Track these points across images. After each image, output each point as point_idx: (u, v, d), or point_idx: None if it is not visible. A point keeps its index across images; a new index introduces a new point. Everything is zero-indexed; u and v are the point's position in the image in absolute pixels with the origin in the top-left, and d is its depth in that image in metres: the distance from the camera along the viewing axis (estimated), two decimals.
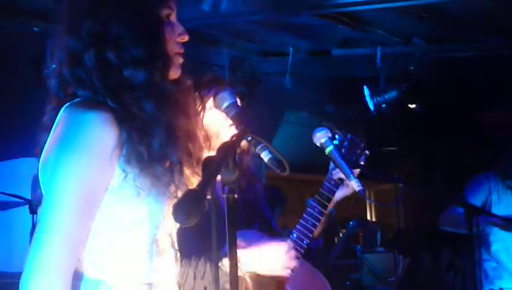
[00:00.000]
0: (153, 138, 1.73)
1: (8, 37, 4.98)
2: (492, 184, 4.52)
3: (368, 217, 7.50)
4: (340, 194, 2.59)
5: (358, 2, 4.39)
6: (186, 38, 1.87)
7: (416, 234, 6.31)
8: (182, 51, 1.88)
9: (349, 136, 2.64)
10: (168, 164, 1.77)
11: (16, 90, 5.16)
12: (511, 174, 4.50)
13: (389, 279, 5.55)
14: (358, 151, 2.64)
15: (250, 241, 2.32)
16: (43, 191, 1.75)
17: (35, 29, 4.89)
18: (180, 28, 1.86)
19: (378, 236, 6.11)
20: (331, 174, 2.55)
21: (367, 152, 2.66)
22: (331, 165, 2.55)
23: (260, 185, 2.73)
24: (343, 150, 2.60)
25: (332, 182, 2.55)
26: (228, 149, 1.66)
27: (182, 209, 1.48)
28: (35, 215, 4.53)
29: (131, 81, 1.76)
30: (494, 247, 4.44)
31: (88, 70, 1.76)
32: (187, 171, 1.87)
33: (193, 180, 1.88)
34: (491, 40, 5.10)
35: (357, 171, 2.53)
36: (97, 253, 1.77)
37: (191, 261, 2.33)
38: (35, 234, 1.68)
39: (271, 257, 2.34)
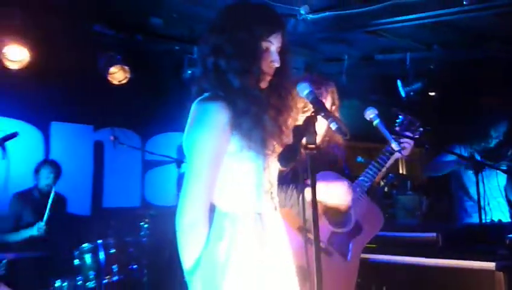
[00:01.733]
0: (244, 123, 1.74)
1: (158, 54, 5.07)
2: (463, 149, 4.41)
3: (400, 171, 7.34)
4: (389, 162, 2.54)
5: (393, 21, 4.29)
6: (276, 65, 1.84)
7: (436, 182, 6.15)
8: (271, 72, 1.85)
9: (409, 117, 2.60)
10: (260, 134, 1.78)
11: (164, 88, 5.26)
12: (475, 143, 4.40)
13: (416, 213, 5.47)
14: (414, 128, 2.59)
15: (324, 179, 2.26)
16: (186, 156, 1.79)
17: (176, 48, 4.96)
18: (274, 57, 1.83)
19: (408, 184, 5.99)
20: (385, 149, 2.51)
21: (421, 129, 2.60)
22: (387, 147, 2.50)
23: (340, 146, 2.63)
24: (403, 126, 2.57)
25: (386, 154, 2.51)
26: (309, 121, 1.67)
27: (284, 157, 1.58)
28: (179, 169, 4.68)
29: (231, 84, 1.76)
30: (471, 190, 4.33)
31: (208, 70, 1.80)
32: (275, 144, 1.84)
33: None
34: (490, 46, 4.87)
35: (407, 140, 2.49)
36: (224, 193, 1.80)
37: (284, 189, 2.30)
38: (184, 182, 1.73)
39: (334, 191, 2.29)
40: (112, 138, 4.53)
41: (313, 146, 1.64)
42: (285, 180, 2.19)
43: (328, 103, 2.45)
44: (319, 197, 2.13)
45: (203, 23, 4.38)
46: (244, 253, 1.74)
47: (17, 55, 4.35)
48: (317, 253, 1.59)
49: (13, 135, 1.92)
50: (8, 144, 2.67)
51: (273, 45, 1.83)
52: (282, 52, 1.86)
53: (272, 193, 1.88)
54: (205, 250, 1.71)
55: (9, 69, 4.37)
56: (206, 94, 1.79)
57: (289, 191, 2.27)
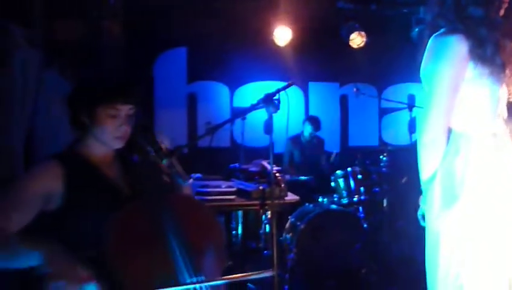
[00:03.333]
0: (487, 50, 1.67)
1: (389, 18, 5.13)
2: None
3: None
4: None
5: None
6: None
7: None
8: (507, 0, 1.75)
9: None
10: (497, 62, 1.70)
11: (396, 47, 5.08)
12: None
13: None
14: None
15: None
16: (426, 85, 1.74)
17: (403, 10, 4.94)
18: None
19: None
20: None
21: None
22: None
23: None
24: None
25: None
26: None
27: None
28: (410, 113, 4.30)
29: (473, 15, 1.69)
30: None
31: (447, 8, 1.74)
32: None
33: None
34: None
35: None
36: (460, 116, 1.75)
37: None
38: (426, 107, 1.72)
39: None
40: (354, 90, 4.75)
41: None
42: None
43: None
44: None
45: None
46: (478, 169, 1.70)
47: (284, 34, 5.17)
48: None
49: (290, 84, 2.32)
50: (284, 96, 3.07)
51: None
52: None
53: (503, 117, 1.78)
54: (443, 164, 1.69)
55: (278, 45, 5.24)
56: (442, 30, 1.73)
57: None
